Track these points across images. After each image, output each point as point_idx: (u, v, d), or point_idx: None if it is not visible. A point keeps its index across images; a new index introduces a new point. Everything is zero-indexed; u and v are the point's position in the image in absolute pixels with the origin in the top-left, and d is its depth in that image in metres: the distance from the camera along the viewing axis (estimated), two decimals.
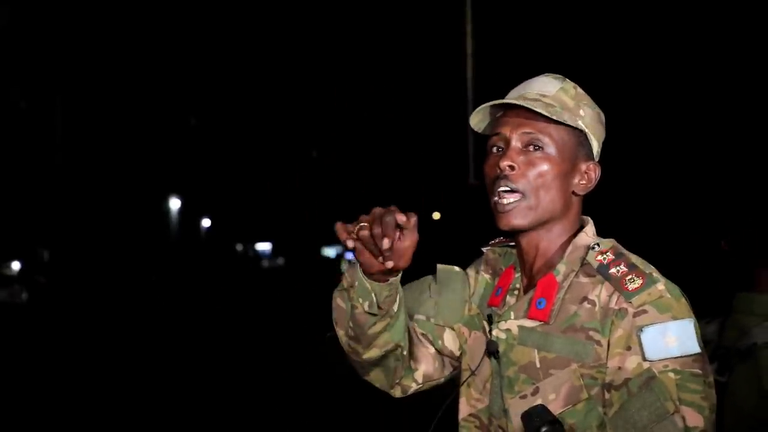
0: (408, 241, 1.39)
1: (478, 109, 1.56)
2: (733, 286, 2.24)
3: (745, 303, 2.18)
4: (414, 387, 1.69)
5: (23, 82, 29.92)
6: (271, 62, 46.82)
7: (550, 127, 1.48)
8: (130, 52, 34.12)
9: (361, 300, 1.50)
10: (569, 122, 1.48)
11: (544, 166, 1.48)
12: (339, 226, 1.41)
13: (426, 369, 1.67)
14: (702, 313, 2.32)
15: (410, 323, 1.66)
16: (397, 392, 1.69)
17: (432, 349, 1.67)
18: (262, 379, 10.65)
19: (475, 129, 1.60)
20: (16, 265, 28.49)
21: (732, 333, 2.15)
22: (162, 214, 40.02)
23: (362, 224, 1.39)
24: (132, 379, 10.54)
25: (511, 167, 1.47)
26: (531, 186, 1.47)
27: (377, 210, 1.39)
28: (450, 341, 1.66)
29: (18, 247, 28.65)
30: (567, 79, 1.56)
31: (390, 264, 1.38)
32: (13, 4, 29.21)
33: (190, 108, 42.70)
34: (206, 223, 47.66)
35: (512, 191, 1.48)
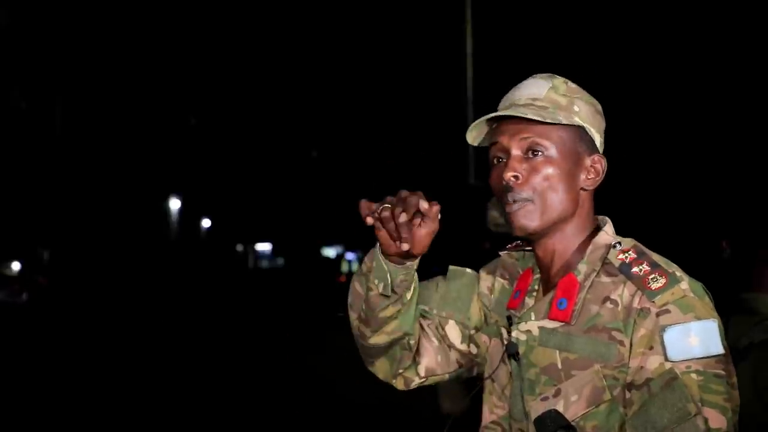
0: (426, 229, 1.44)
1: (472, 125, 1.55)
2: (734, 286, 2.25)
3: (749, 303, 2.18)
4: (416, 381, 1.68)
5: (23, 83, 29.92)
6: (271, 62, 46.81)
7: (548, 129, 1.48)
8: (130, 52, 34.11)
9: (376, 281, 1.54)
10: (564, 121, 1.48)
11: (548, 170, 1.48)
12: (363, 204, 1.46)
13: (429, 362, 1.66)
14: None
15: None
16: (399, 384, 1.69)
17: (436, 343, 1.66)
18: (261, 380, 10.65)
19: (473, 144, 1.59)
20: (16, 265, 28.48)
21: (734, 333, 2.15)
22: (162, 214, 39.99)
23: (385, 205, 1.43)
24: (132, 379, 10.54)
25: (515, 177, 1.48)
26: (538, 191, 1.47)
27: (403, 191, 1.43)
28: (454, 334, 1.66)
29: (18, 247, 28.64)
30: (556, 76, 1.55)
31: (405, 247, 1.42)
32: (13, 4, 29.21)
33: (190, 108, 42.69)
34: (206, 223, 47.62)
35: (519, 201, 1.48)
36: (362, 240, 53.44)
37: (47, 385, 10.36)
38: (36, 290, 25.66)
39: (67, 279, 28.77)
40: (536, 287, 1.56)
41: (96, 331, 17.24)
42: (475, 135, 1.58)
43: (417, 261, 1.52)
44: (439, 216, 1.46)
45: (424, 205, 1.41)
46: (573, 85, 1.54)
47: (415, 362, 1.66)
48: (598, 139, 1.54)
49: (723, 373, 1.37)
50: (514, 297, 1.59)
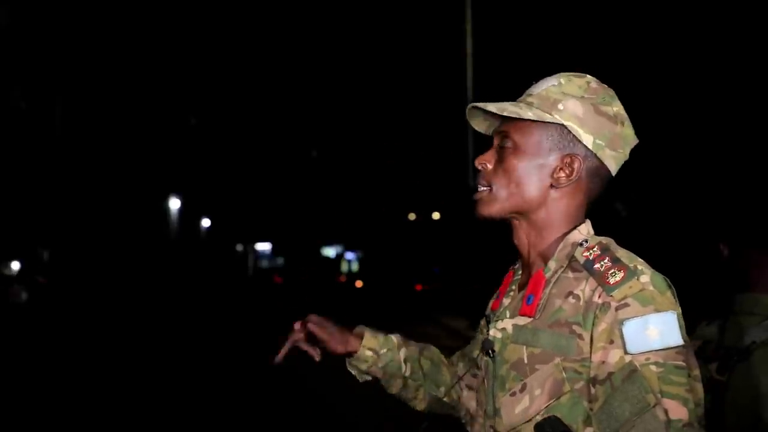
0: (324, 336, 1.76)
1: (467, 113, 1.65)
2: (731, 287, 2.25)
3: (747, 303, 2.18)
4: None
5: (23, 83, 29.92)
6: (271, 62, 46.82)
7: (521, 124, 1.55)
8: (130, 52, 34.11)
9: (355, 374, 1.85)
10: (532, 117, 1.51)
11: (511, 162, 1.54)
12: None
13: None
14: (702, 313, 2.33)
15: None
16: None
17: None
18: (260, 379, 10.66)
19: (483, 132, 1.69)
20: (16, 265, 28.47)
21: (732, 333, 2.15)
22: (162, 214, 39.98)
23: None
24: (132, 379, 10.54)
25: (483, 165, 1.58)
26: (497, 180, 1.55)
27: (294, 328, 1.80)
28: None
29: (18, 247, 28.63)
30: (584, 75, 1.56)
31: (315, 356, 1.78)
32: (13, 4, 29.20)
33: (190, 108, 42.69)
34: (206, 223, 47.61)
35: (481, 186, 1.58)
36: (362, 240, 53.52)
37: (47, 384, 10.36)
38: (36, 290, 25.66)
39: (67, 279, 28.77)
40: (513, 287, 1.61)
41: (96, 331, 17.25)
42: (482, 126, 1.68)
43: (359, 353, 1.78)
44: (316, 324, 1.77)
45: (296, 326, 1.78)
46: (595, 86, 1.55)
47: None
48: (590, 140, 1.52)
49: (683, 364, 1.37)
50: (495, 299, 1.65)
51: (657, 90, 16.31)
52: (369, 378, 1.82)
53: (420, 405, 1.84)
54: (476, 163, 1.59)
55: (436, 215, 42.03)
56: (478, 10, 17.85)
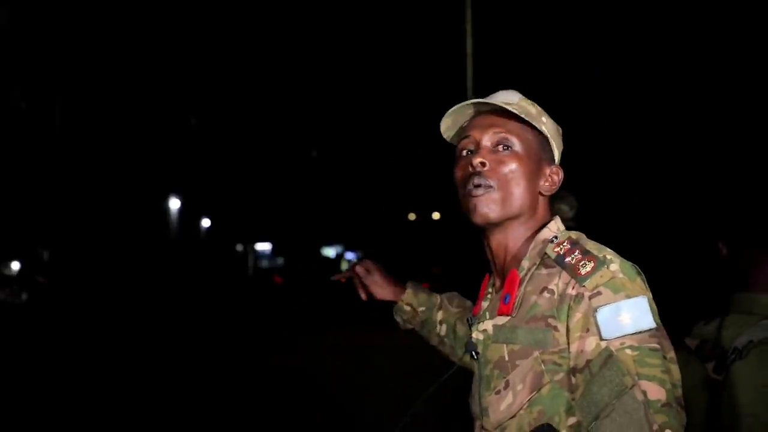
0: (367, 281, 2.07)
1: (448, 112, 1.66)
2: (730, 286, 2.26)
3: (744, 303, 2.19)
4: None
5: (23, 83, 29.91)
6: (271, 62, 46.79)
7: (518, 129, 1.59)
8: (130, 52, 34.10)
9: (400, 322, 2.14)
10: (535, 124, 1.59)
11: (513, 164, 1.57)
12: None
13: None
14: (701, 313, 2.34)
15: None
16: None
17: None
18: (261, 379, 10.67)
19: (444, 134, 1.71)
20: (16, 265, 28.46)
21: (730, 332, 2.16)
22: (162, 214, 39.96)
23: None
24: (132, 379, 10.55)
25: (483, 164, 1.57)
26: (502, 181, 1.56)
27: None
28: None
29: (18, 247, 28.63)
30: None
31: (362, 295, 2.09)
32: (13, 4, 29.20)
33: (190, 108, 42.66)
34: (206, 223, 47.57)
35: (483, 186, 1.56)
36: (362, 240, 53.50)
37: (47, 384, 10.37)
38: (36, 290, 25.65)
39: (67, 279, 28.76)
40: (490, 290, 1.65)
41: (96, 331, 17.25)
42: (446, 127, 1.69)
43: (403, 299, 2.06)
44: (367, 269, 2.09)
45: (352, 266, 2.11)
46: (540, 108, 1.65)
47: None
48: (557, 155, 1.64)
49: (657, 346, 1.40)
50: (475, 305, 1.69)
51: (657, 89, 16.30)
52: (410, 327, 2.08)
53: (458, 361, 1.95)
54: (475, 161, 1.57)
55: (436, 215, 42.03)
56: (478, 10, 17.83)
